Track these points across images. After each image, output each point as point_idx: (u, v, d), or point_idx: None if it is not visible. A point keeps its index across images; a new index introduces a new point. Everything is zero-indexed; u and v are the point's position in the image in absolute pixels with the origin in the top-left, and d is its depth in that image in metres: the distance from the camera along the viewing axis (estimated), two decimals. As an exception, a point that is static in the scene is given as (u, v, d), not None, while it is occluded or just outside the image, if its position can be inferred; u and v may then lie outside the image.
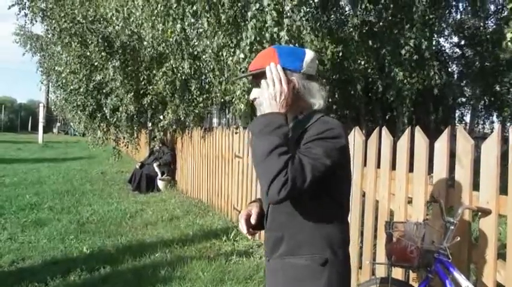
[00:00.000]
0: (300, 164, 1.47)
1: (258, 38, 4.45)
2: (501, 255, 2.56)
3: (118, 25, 7.27)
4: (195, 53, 6.37)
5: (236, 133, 6.17)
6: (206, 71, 6.41)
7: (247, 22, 4.57)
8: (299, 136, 1.60)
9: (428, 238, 2.39)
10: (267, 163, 1.46)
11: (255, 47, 4.48)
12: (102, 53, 7.79)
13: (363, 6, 5.88)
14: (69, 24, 7.80)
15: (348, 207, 1.78)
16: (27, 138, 27.31)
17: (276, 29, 4.37)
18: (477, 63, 10.59)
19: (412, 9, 5.68)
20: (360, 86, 6.07)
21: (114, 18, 7.17)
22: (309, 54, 1.72)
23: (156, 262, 4.65)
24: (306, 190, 1.48)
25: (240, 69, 4.71)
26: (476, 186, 2.65)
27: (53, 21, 8.42)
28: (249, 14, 4.49)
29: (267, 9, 4.37)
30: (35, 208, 7.14)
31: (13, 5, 11.29)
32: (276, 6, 4.37)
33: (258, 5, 4.45)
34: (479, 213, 2.58)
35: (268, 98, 1.60)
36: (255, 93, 1.75)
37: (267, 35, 4.41)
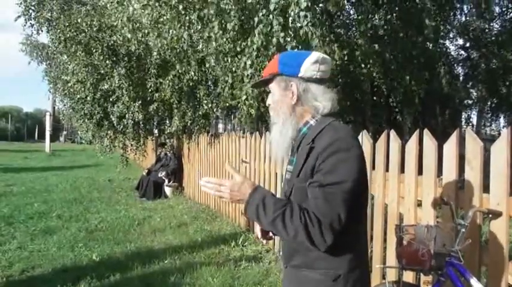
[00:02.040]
0: (326, 203, 1.49)
1: (264, 43, 4.46)
2: (511, 257, 2.55)
3: (126, 35, 7.30)
4: (200, 59, 6.40)
5: (242, 137, 6.16)
6: (211, 76, 6.44)
7: (253, 28, 4.58)
8: (310, 147, 1.59)
9: (440, 241, 2.38)
10: (293, 233, 1.50)
11: (261, 53, 4.50)
12: (107, 61, 7.83)
13: (367, 11, 5.89)
14: (74, 33, 7.83)
15: (366, 216, 1.74)
16: (34, 147, 27.48)
17: (282, 34, 4.39)
18: (483, 65, 10.55)
19: (418, 12, 5.71)
20: (367, 89, 6.08)
21: (120, 26, 7.21)
22: (312, 56, 1.68)
23: (165, 269, 4.66)
24: (346, 218, 1.50)
25: (247, 75, 4.72)
26: (485, 188, 2.64)
27: (58, 30, 8.47)
28: (256, 19, 4.51)
29: (273, 15, 4.39)
30: (44, 216, 7.17)
31: (19, 17, 11.43)
32: (282, 12, 4.39)
33: (264, 11, 4.47)
34: (490, 215, 2.56)
35: (236, 193, 1.60)
36: (268, 99, 1.80)
37: (274, 40, 4.42)
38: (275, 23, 4.36)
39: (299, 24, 4.33)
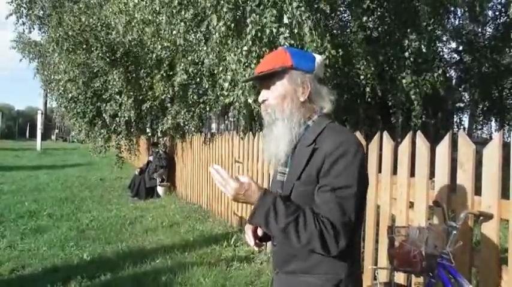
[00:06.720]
0: (339, 208, 1.45)
1: (259, 34, 4.42)
2: (502, 259, 2.57)
3: (120, 31, 7.24)
4: (195, 59, 6.37)
5: (242, 139, 6.11)
6: (204, 76, 6.40)
7: (245, 18, 4.56)
8: (313, 148, 1.54)
9: (431, 243, 2.38)
10: (306, 241, 1.45)
11: (256, 44, 4.47)
12: (107, 59, 7.75)
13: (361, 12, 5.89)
14: (75, 32, 7.73)
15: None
16: (26, 145, 27.26)
17: (275, 25, 4.36)
18: (475, 68, 10.62)
19: (414, 13, 5.74)
20: (361, 90, 6.10)
21: (114, 22, 7.15)
22: (318, 56, 1.68)
23: (156, 269, 4.64)
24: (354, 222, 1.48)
25: (244, 63, 4.62)
26: (477, 190, 2.66)
27: (51, 28, 8.37)
28: (248, 8, 4.48)
29: (266, 6, 4.37)
30: (34, 215, 7.12)
31: (10, 15, 11.35)
32: (275, 4, 4.38)
33: (257, 1, 4.45)
34: (481, 217, 2.58)
35: (241, 195, 1.54)
36: (264, 95, 1.69)
37: (267, 30, 4.39)
38: (268, 14, 4.34)
39: (293, 14, 4.32)
